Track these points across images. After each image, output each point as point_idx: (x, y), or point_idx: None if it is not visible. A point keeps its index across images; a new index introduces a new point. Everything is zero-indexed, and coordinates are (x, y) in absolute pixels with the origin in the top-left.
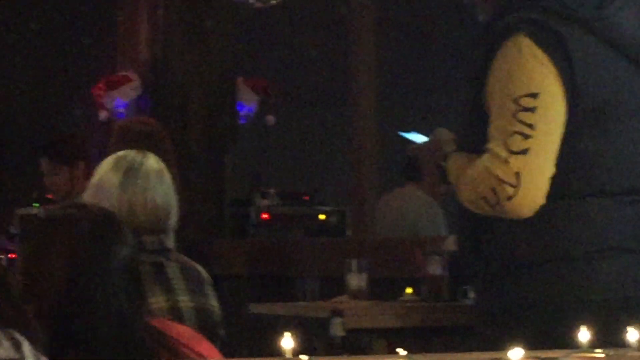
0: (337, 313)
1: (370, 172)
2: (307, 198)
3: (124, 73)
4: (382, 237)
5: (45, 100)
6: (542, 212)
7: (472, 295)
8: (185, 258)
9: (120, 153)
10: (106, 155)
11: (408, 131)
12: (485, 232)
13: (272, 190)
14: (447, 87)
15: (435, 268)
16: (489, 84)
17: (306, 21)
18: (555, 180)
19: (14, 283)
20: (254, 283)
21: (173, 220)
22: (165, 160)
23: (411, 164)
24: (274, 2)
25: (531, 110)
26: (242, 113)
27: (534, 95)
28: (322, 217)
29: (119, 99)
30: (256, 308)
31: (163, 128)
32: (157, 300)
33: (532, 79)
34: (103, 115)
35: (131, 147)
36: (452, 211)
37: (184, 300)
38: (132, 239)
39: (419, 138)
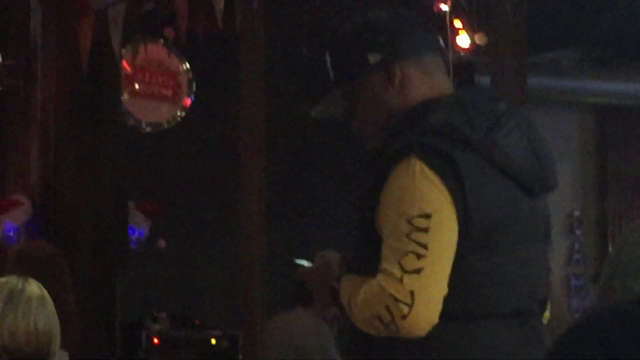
0: None
1: (260, 296)
2: (198, 322)
3: (14, 196)
4: None
5: None
6: (436, 333)
7: None
8: None
9: (1, 280)
10: None
11: (298, 255)
12: (375, 352)
13: (163, 314)
14: (335, 208)
15: None
16: (381, 206)
17: (197, 144)
18: (447, 300)
19: None
20: None
21: (55, 346)
22: (62, 284)
23: (300, 288)
24: (166, 126)
25: (424, 230)
26: (133, 237)
27: (427, 216)
28: (213, 341)
29: (9, 223)
30: None
31: (59, 253)
32: None
33: (425, 200)
34: None
35: (27, 272)
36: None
37: None
38: None
39: (306, 262)
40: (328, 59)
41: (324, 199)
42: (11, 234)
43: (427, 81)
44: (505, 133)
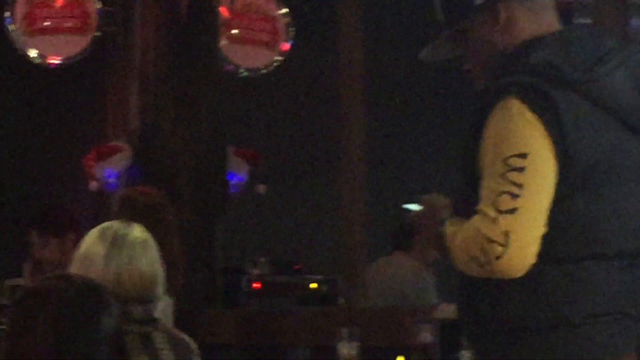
0: None
1: (360, 241)
2: (298, 267)
3: (114, 143)
4: (373, 306)
5: (34, 172)
6: (538, 275)
7: None
8: (173, 328)
9: (105, 224)
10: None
11: (397, 200)
12: (483, 296)
13: (263, 259)
14: (436, 154)
15: (425, 336)
16: (481, 147)
17: (296, 90)
18: (548, 242)
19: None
20: (244, 353)
21: (159, 289)
22: (166, 230)
23: (402, 232)
24: (264, 71)
25: (520, 170)
26: (232, 182)
27: (523, 156)
28: (313, 286)
29: (110, 169)
30: None
31: (164, 198)
32: None
33: (522, 140)
34: (93, 185)
35: (132, 218)
36: (443, 279)
37: None
38: (118, 310)
39: (416, 207)
40: (437, 1)
41: (425, 143)
42: (111, 180)
43: (533, 19)
44: (610, 70)
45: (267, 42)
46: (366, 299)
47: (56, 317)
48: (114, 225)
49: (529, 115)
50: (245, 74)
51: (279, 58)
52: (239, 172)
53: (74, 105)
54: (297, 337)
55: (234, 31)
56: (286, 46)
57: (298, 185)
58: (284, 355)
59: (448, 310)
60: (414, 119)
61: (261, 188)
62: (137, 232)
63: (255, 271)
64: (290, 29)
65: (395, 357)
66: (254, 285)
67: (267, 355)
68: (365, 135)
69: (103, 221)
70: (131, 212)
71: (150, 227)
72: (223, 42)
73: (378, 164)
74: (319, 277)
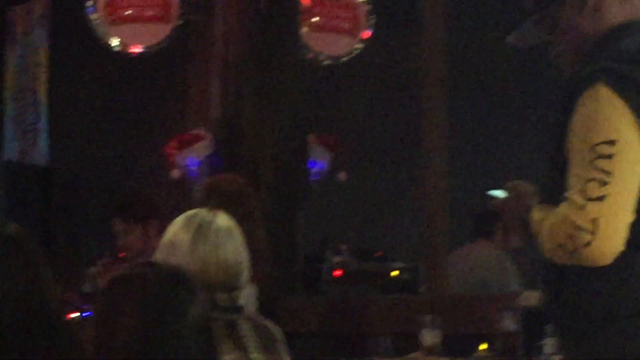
0: None
1: (441, 229)
2: (379, 254)
3: (196, 131)
4: (455, 294)
5: (117, 161)
6: (626, 263)
7: (547, 351)
8: (258, 315)
9: (190, 212)
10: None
11: (480, 187)
12: (570, 284)
13: (344, 247)
14: (519, 139)
15: (509, 324)
16: (569, 134)
17: (377, 77)
18: (637, 229)
19: (86, 341)
20: (326, 340)
21: (244, 277)
22: (251, 218)
23: (484, 218)
24: (345, 58)
25: (608, 157)
26: (313, 170)
27: (611, 143)
28: (394, 273)
29: (191, 158)
30: None
31: (249, 186)
32: (230, 358)
33: (610, 127)
34: (175, 174)
35: (217, 205)
36: (524, 268)
37: (257, 358)
38: (204, 297)
39: (500, 193)
40: None
41: (509, 128)
42: (193, 168)
43: (622, 4)
44: None
45: (348, 29)
46: (448, 286)
47: (143, 304)
48: (199, 213)
49: (618, 102)
50: (326, 61)
51: (360, 45)
52: (320, 159)
53: (155, 93)
54: (378, 325)
55: (315, 19)
56: (367, 33)
57: (379, 173)
58: (365, 343)
59: (531, 298)
60: (498, 104)
61: (342, 175)
62: (223, 219)
63: (336, 259)
64: (371, 16)
65: (478, 345)
66: (335, 273)
67: (348, 343)
68: (447, 121)
69: (185, 209)
70: (216, 200)
71: (235, 215)
72: (304, 30)
73: (460, 149)
74: (400, 264)
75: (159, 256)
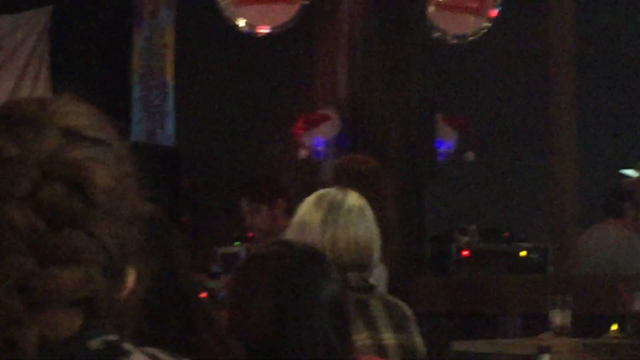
0: (544, 350)
1: (571, 208)
2: (507, 235)
3: (323, 111)
4: (585, 274)
5: (244, 141)
6: None
7: None
8: (388, 295)
9: (321, 191)
10: (314, 192)
11: (610, 167)
12: None
13: (472, 227)
14: None
15: None
16: None
17: (505, 56)
18: None
19: (219, 320)
20: (454, 320)
21: (375, 257)
22: (381, 198)
23: (613, 198)
24: (472, 37)
25: None
26: (441, 150)
27: None
28: (523, 253)
29: (319, 138)
30: (459, 346)
31: (379, 167)
32: (361, 337)
33: None
34: (303, 153)
35: (348, 185)
36: None
37: (388, 337)
38: (338, 275)
39: (633, 173)
40: None
41: (639, 107)
42: (320, 148)
43: None
44: None
45: (475, 8)
46: (577, 267)
47: (277, 283)
48: (330, 192)
49: None
50: (454, 40)
51: (487, 24)
52: (447, 139)
53: (282, 73)
54: (507, 305)
55: None
56: (494, 12)
57: (507, 152)
58: (495, 323)
59: None
60: (629, 82)
61: (470, 155)
62: (354, 199)
63: (464, 239)
64: None
65: (609, 326)
66: (463, 253)
67: (478, 323)
68: (576, 99)
69: (312, 189)
70: (346, 180)
71: (366, 195)
72: (431, 9)
73: (590, 128)
74: (528, 244)
75: (289, 236)
